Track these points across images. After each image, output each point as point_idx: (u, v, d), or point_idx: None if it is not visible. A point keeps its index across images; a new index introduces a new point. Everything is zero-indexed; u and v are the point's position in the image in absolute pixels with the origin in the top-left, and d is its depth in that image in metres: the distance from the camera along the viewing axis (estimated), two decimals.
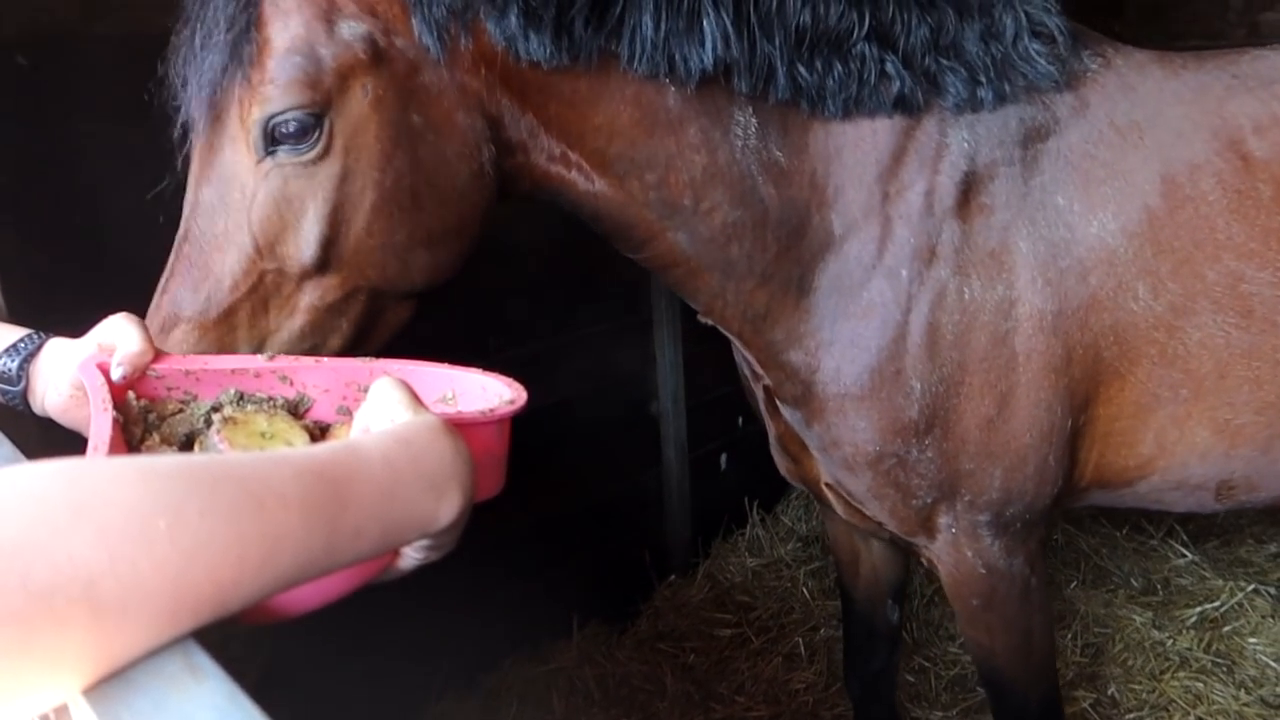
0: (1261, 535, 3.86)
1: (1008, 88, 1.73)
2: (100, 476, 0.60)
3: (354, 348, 1.49)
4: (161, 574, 0.58)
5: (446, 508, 0.86)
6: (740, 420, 4.02)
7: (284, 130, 1.38)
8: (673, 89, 1.58)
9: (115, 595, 0.56)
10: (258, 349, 1.42)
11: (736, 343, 1.96)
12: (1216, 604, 3.42)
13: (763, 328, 1.82)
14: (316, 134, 1.39)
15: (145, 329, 1.19)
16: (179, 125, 1.49)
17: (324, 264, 1.44)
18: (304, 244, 1.42)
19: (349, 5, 1.40)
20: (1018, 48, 1.73)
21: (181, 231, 1.45)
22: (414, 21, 1.42)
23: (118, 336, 1.17)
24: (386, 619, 2.67)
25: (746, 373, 2.13)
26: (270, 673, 2.42)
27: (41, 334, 1.27)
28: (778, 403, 1.97)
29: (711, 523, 3.95)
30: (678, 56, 1.52)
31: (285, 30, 1.38)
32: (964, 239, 1.74)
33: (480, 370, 1.19)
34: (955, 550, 1.95)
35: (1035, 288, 1.74)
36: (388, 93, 1.42)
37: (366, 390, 1.14)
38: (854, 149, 1.71)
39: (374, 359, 1.25)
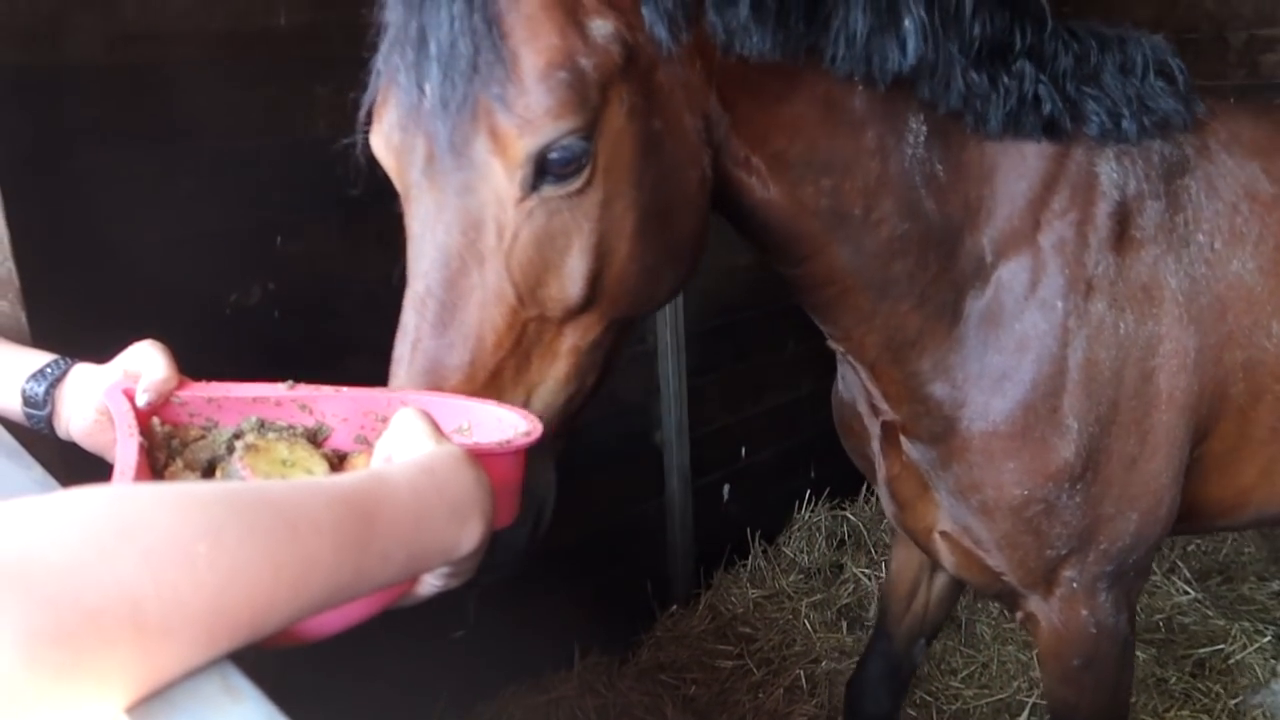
0: (1264, 573, 3.86)
1: (1146, 121, 1.74)
2: (143, 502, 0.62)
3: (599, 385, 1.38)
4: (201, 596, 0.60)
5: (469, 535, 0.87)
6: (743, 451, 4.03)
7: (553, 161, 1.21)
8: (861, 89, 1.52)
9: (159, 616, 0.58)
10: (526, 404, 1.28)
11: (863, 374, 1.85)
12: (1220, 647, 3.41)
13: (908, 356, 1.73)
14: (583, 160, 1.23)
15: (170, 356, 1.20)
16: (360, 151, 1.34)
17: (587, 302, 1.29)
18: (569, 284, 1.27)
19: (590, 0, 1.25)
20: (1147, 84, 1.74)
21: (421, 287, 1.26)
22: (644, 11, 1.27)
23: (143, 363, 1.19)
24: (387, 648, 2.66)
25: (862, 408, 2.00)
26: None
27: (67, 360, 1.29)
28: (905, 441, 1.86)
29: (713, 553, 3.95)
30: (877, 56, 1.47)
31: (537, 39, 1.19)
32: (1118, 272, 1.72)
33: (494, 401, 1.21)
34: (1069, 607, 1.86)
35: (1181, 324, 1.74)
36: (638, 99, 1.29)
37: (384, 420, 1.15)
38: (1006, 172, 1.69)
39: (391, 389, 1.26)
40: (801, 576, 3.94)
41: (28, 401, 1.25)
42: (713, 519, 3.91)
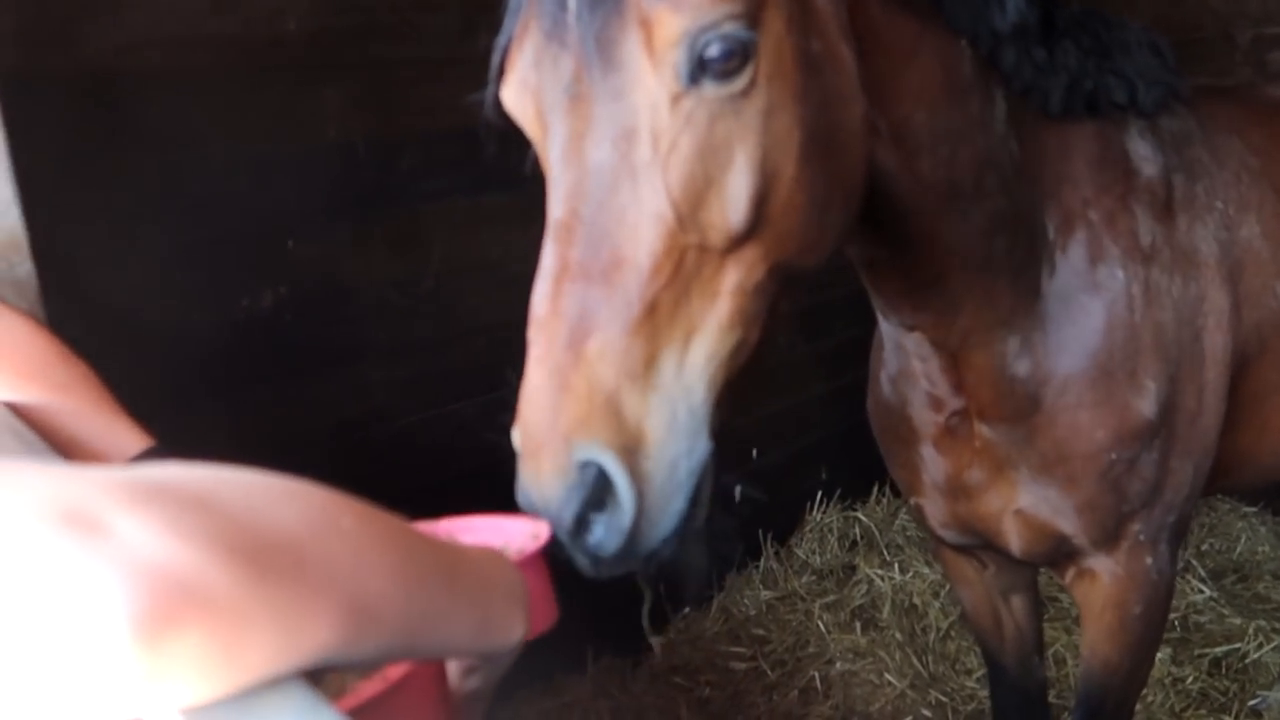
0: (1279, 571, 3.83)
1: (1156, 94, 1.81)
2: (289, 480, 0.66)
3: (760, 348, 1.24)
4: (344, 562, 0.63)
5: (518, 625, 0.87)
6: (754, 453, 4.02)
7: (712, 53, 1.11)
8: (968, 53, 1.53)
9: (316, 569, 0.60)
10: (683, 354, 1.13)
11: (934, 365, 1.83)
12: (1237, 646, 3.39)
13: (996, 336, 1.74)
14: (748, 53, 1.14)
15: None
16: (496, 65, 1.26)
17: (751, 229, 1.17)
18: (733, 204, 1.15)
19: None
20: (1144, 60, 1.81)
21: (564, 212, 1.15)
22: None
23: None
24: None
25: (915, 409, 1.96)
26: None
27: (162, 452, 1.30)
28: (981, 426, 1.86)
29: (726, 555, 3.94)
30: (984, 13, 1.49)
31: None
32: (1165, 239, 1.81)
33: (493, 514, 1.16)
34: (1134, 559, 1.93)
35: (1216, 285, 1.85)
36: (795, 10, 1.21)
37: None
38: (1056, 152, 1.75)
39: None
40: (814, 578, 3.93)
41: None
42: (725, 520, 3.91)
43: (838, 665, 3.44)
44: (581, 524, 1.10)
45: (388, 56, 2.75)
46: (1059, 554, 1.98)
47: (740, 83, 1.14)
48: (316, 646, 0.59)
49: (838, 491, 4.34)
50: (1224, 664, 3.34)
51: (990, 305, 1.70)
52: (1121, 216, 1.78)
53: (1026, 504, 1.90)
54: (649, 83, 1.13)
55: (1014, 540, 1.97)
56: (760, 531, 4.05)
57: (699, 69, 1.12)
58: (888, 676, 3.34)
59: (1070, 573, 2.02)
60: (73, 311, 1.66)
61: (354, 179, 2.67)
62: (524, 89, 1.24)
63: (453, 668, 0.95)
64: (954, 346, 1.77)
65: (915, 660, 3.39)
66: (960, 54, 1.52)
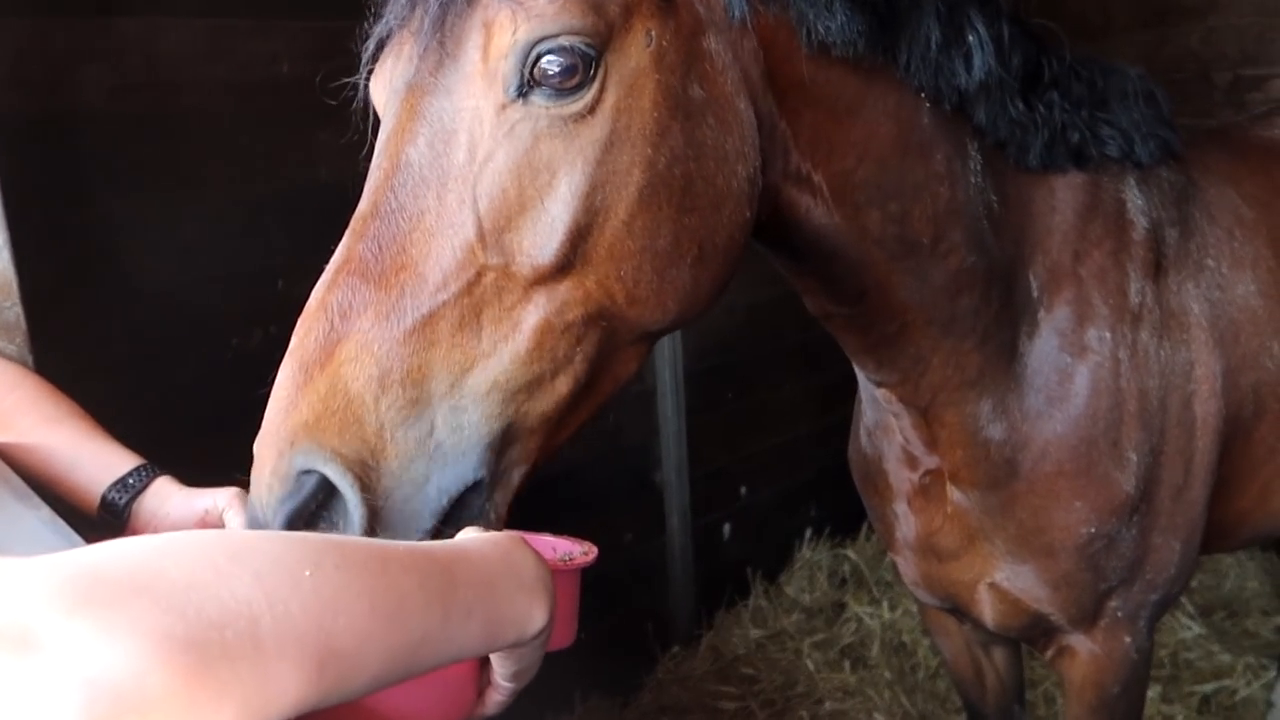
0: (1267, 608, 3.84)
1: (1153, 147, 1.74)
2: (247, 535, 0.67)
3: (577, 401, 1.13)
4: (309, 617, 0.62)
5: (537, 612, 0.87)
6: (743, 490, 4.03)
7: (549, 67, 1.05)
8: (928, 107, 1.44)
9: (273, 635, 0.59)
10: (459, 375, 1.04)
11: (906, 422, 1.75)
12: (1226, 683, 3.39)
13: (967, 398, 1.65)
14: (588, 78, 1.07)
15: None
16: (364, 67, 1.22)
17: (565, 266, 1.08)
18: (546, 232, 1.07)
19: None
20: (1141, 111, 1.74)
21: (366, 205, 1.08)
22: None
23: (226, 515, 1.24)
24: None
25: (891, 464, 1.89)
26: None
27: (150, 469, 1.34)
28: (953, 490, 1.78)
29: (714, 593, 3.93)
30: (946, 69, 1.41)
31: None
32: (1155, 299, 1.72)
33: (549, 534, 1.20)
34: (1111, 637, 1.84)
35: (1208, 349, 1.75)
36: (671, 48, 1.14)
37: None
38: (1041, 205, 1.67)
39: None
40: (803, 616, 3.92)
41: (107, 509, 1.30)
42: (713, 559, 3.90)
43: (827, 705, 3.42)
44: None
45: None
46: (1036, 630, 1.90)
47: (578, 104, 1.08)
48: (286, 706, 0.59)
49: (827, 529, 4.34)
50: (1213, 701, 3.33)
51: (957, 366, 1.62)
52: (1113, 274, 1.69)
53: (1001, 578, 1.81)
54: (478, 86, 1.08)
55: (988, 612, 1.90)
56: (749, 569, 4.05)
57: (530, 82, 1.06)
58: (877, 716, 3.32)
59: (1049, 650, 1.95)
60: (60, 353, 1.67)
61: (344, 220, 2.68)
62: (379, 77, 1.20)
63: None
64: (923, 404, 1.69)
65: (904, 699, 3.38)
66: (917, 108, 1.44)
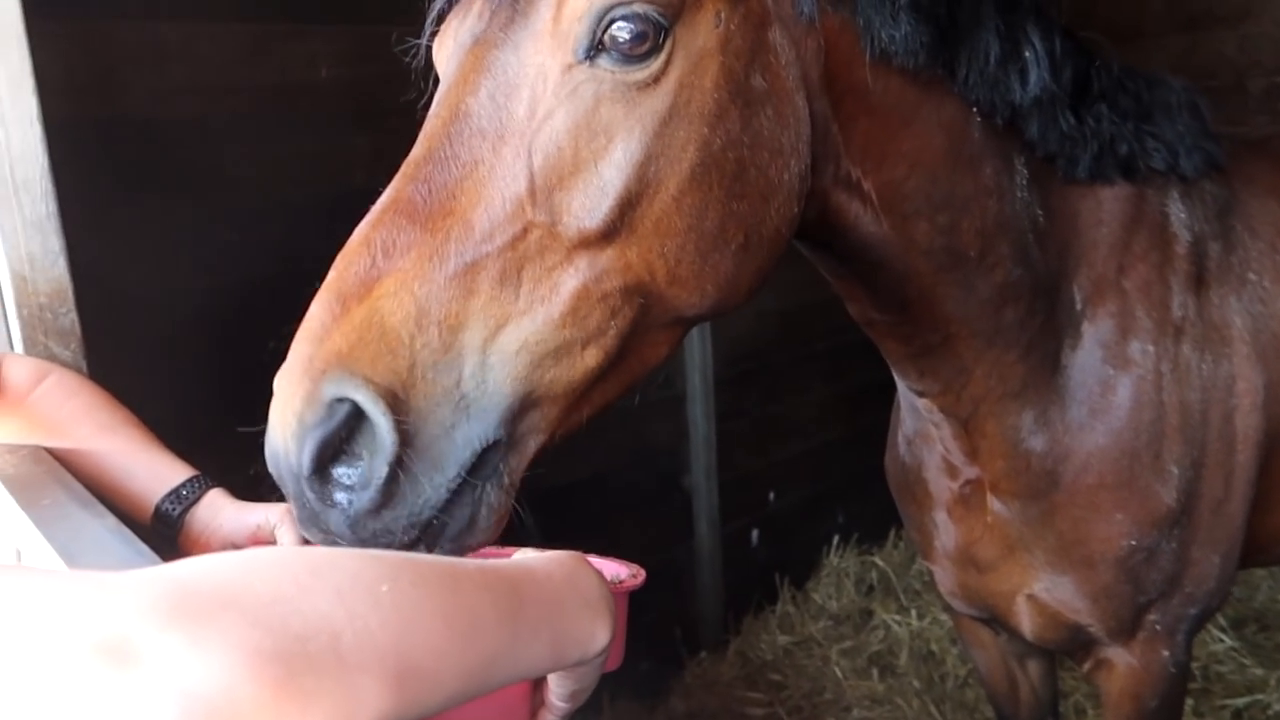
0: None
1: (1197, 159, 1.73)
2: (327, 551, 0.67)
3: (603, 377, 1.12)
4: (387, 633, 0.63)
5: (600, 631, 0.88)
6: (771, 496, 4.02)
7: (620, 32, 1.06)
8: (978, 120, 1.45)
9: (354, 649, 0.60)
10: (493, 330, 1.03)
11: (947, 431, 1.76)
12: (1259, 697, 3.35)
13: (1009, 409, 1.67)
14: (657, 47, 1.08)
15: (297, 531, 1.21)
16: (429, 27, 1.23)
17: (610, 233, 1.08)
18: (596, 195, 1.07)
19: None
20: (1184, 123, 1.74)
21: (420, 150, 1.08)
22: None
23: (278, 531, 1.28)
24: None
25: (931, 472, 1.90)
26: None
27: (203, 480, 1.37)
28: (993, 500, 1.78)
29: (742, 599, 3.93)
30: (1001, 85, 1.43)
31: None
32: (1197, 313, 1.72)
33: (596, 555, 1.19)
34: (1150, 650, 1.83)
35: (1250, 363, 1.74)
36: (738, 34, 1.15)
37: None
38: (1088, 217, 1.67)
39: (500, 546, 1.21)
40: (831, 623, 3.91)
41: (161, 519, 1.33)
42: (742, 564, 3.90)
43: (855, 712, 3.41)
44: (323, 470, 0.97)
45: (415, 103, 2.81)
46: (1074, 642, 1.90)
47: (643, 73, 1.08)
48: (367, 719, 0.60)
49: (855, 535, 4.33)
50: (1246, 715, 3.30)
51: (1000, 377, 1.63)
52: (1156, 287, 1.69)
53: (1040, 589, 1.81)
54: (546, 44, 1.08)
55: (1026, 623, 1.89)
56: (777, 575, 4.04)
57: (599, 45, 1.07)
58: None
59: (1087, 662, 1.94)
60: (109, 355, 1.71)
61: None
62: (444, 35, 1.22)
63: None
64: (964, 414, 1.70)
65: (933, 708, 3.36)
66: (968, 121, 1.45)
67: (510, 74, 1.08)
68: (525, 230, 1.05)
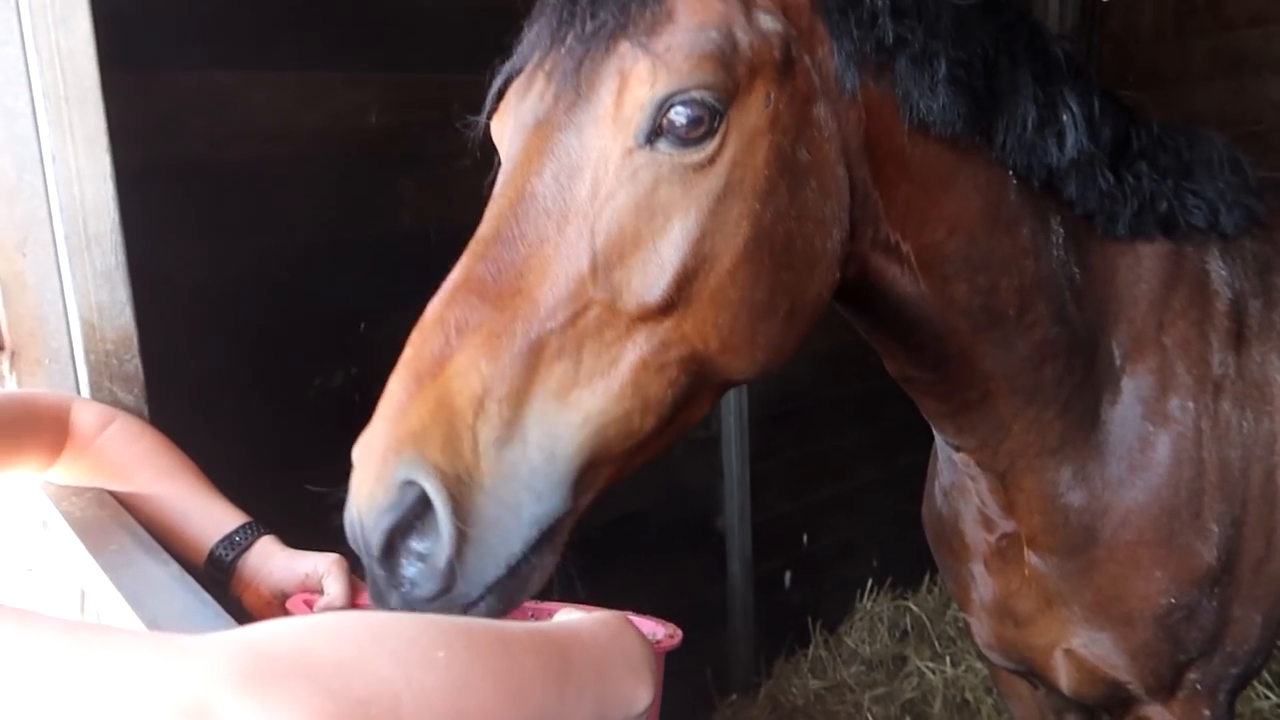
0: None
1: (1238, 216, 1.73)
2: (385, 617, 0.70)
3: (651, 441, 1.16)
4: (443, 697, 0.67)
5: (644, 692, 0.90)
6: (805, 538, 4.02)
7: (677, 117, 1.12)
8: (1014, 183, 1.48)
9: (412, 712, 0.64)
10: (558, 404, 1.08)
11: (983, 485, 1.77)
12: None
13: (1046, 465, 1.67)
14: (712, 130, 1.14)
15: (348, 579, 1.30)
16: (489, 104, 1.29)
17: (668, 307, 1.13)
18: (655, 272, 1.12)
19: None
20: (1225, 179, 1.74)
21: (488, 229, 1.13)
22: (836, 49, 1.26)
23: (326, 580, 1.32)
24: None
25: (967, 524, 1.91)
26: None
27: (255, 528, 1.42)
28: (1030, 554, 1.79)
29: (774, 641, 3.91)
30: (1039, 149, 1.46)
31: (699, 4, 1.16)
32: (1238, 370, 1.72)
33: (633, 613, 1.21)
34: (1191, 709, 1.81)
35: None
36: (785, 112, 1.21)
37: None
38: (1127, 274, 1.68)
39: (538, 602, 1.25)
40: (863, 668, 3.88)
41: (214, 564, 1.38)
42: (774, 606, 3.89)
43: None
44: (392, 551, 1.02)
45: (460, 149, 2.89)
46: (1113, 699, 1.88)
47: (700, 155, 1.14)
48: None
49: (889, 579, 4.31)
50: None
51: (1038, 433, 1.64)
52: (1196, 344, 1.69)
53: (1078, 644, 1.80)
54: (607, 129, 1.13)
55: (1064, 679, 1.88)
56: (809, 618, 4.03)
57: (658, 130, 1.12)
58: None
59: (1127, 719, 1.91)
60: (167, 396, 1.77)
61: (425, 265, 2.78)
62: (504, 113, 1.27)
63: None
64: (1001, 469, 1.71)
65: None
66: (1005, 184, 1.47)
67: (573, 157, 1.14)
68: (586, 307, 1.09)
